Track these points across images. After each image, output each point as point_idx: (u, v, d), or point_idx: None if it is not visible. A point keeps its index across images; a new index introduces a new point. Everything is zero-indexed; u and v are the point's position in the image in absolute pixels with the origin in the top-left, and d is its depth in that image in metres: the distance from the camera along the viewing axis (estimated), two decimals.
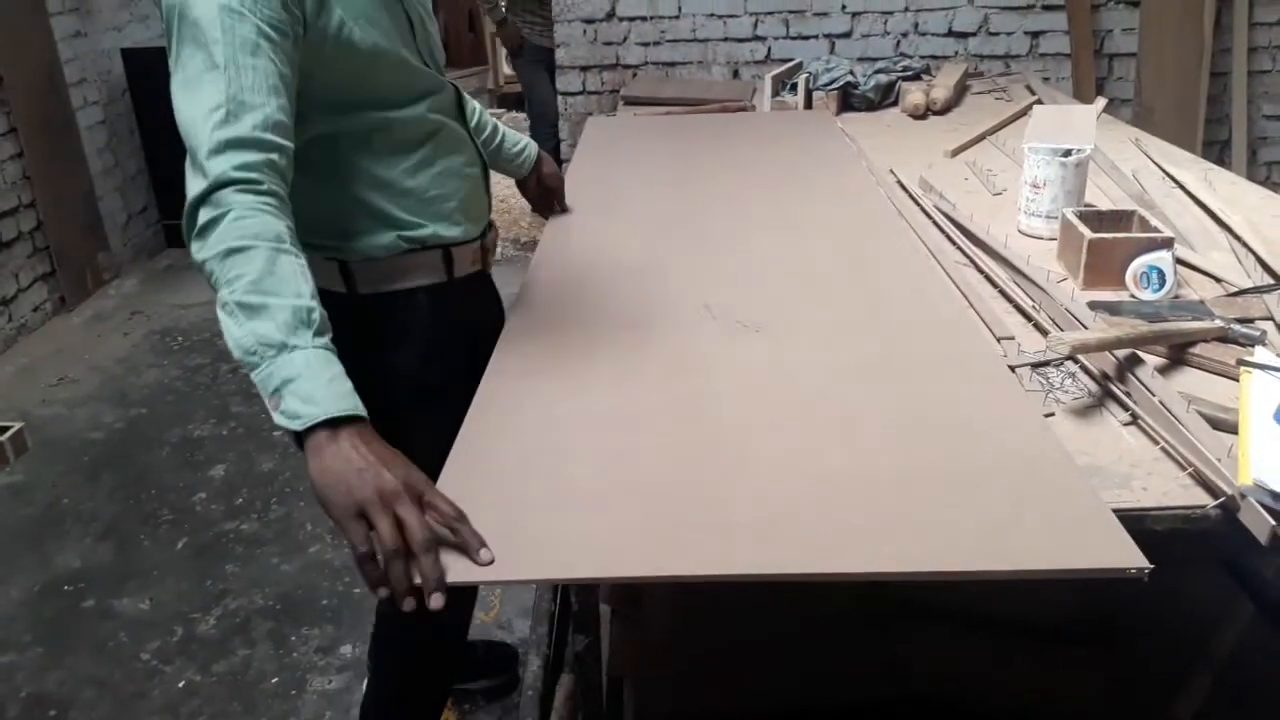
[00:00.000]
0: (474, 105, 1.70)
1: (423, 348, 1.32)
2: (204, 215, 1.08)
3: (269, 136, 1.14)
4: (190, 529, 2.77)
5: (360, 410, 1.03)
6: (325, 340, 1.06)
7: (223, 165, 1.09)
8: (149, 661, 2.30)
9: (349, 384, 1.04)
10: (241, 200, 1.08)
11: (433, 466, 1.11)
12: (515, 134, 1.87)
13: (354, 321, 1.30)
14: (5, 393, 3.62)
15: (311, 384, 1.01)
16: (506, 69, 7.93)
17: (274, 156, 1.14)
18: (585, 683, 1.57)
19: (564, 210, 2.05)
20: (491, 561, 0.97)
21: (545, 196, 2.01)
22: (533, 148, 1.91)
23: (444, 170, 1.50)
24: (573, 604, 1.54)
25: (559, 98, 4.48)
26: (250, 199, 1.09)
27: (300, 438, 1.00)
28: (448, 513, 0.99)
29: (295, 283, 1.07)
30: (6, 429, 3.14)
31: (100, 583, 2.56)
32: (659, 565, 0.99)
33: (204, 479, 3.01)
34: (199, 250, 1.08)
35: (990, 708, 1.75)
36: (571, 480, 1.13)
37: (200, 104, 1.13)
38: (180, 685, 2.22)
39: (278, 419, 1.02)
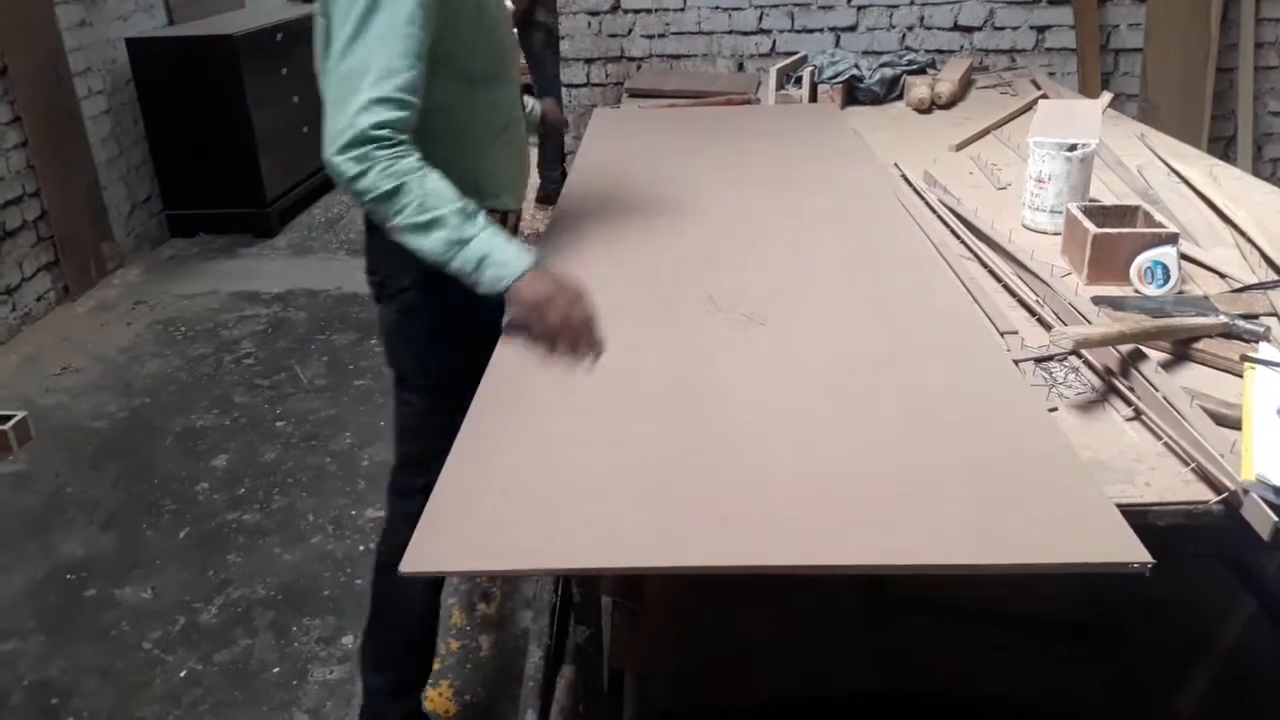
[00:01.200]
0: None
1: (497, 301, 1.44)
2: (353, 166, 1.34)
3: (409, 97, 1.37)
4: (192, 519, 2.77)
5: (534, 257, 1.40)
6: (483, 220, 1.40)
7: (367, 120, 1.33)
8: (151, 650, 2.30)
9: (518, 242, 1.42)
10: (383, 153, 1.34)
11: None
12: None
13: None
14: (9, 382, 3.63)
15: (499, 254, 1.37)
16: None
17: (409, 114, 1.38)
18: (586, 674, 1.57)
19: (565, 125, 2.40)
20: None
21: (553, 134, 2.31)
22: (536, 105, 2.07)
23: (518, 145, 1.73)
24: (574, 596, 1.54)
25: (564, 90, 4.47)
26: (389, 150, 1.35)
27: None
28: (579, 318, 1.39)
29: (446, 193, 1.38)
30: (10, 418, 3.14)
31: (103, 572, 2.57)
32: (661, 556, 0.99)
33: (206, 469, 3.01)
34: (360, 196, 1.37)
35: (992, 702, 1.75)
36: (574, 471, 1.13)
37: (356, 63, 1.35)
38: (182, 674, 2.23)
39: (482, 289, 1.38)
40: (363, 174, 1.34)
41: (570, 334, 1.38)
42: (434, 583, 1.88)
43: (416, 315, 1.66)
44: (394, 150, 1.35)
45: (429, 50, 1.41)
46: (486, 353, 1.45)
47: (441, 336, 1.67)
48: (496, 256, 1.37)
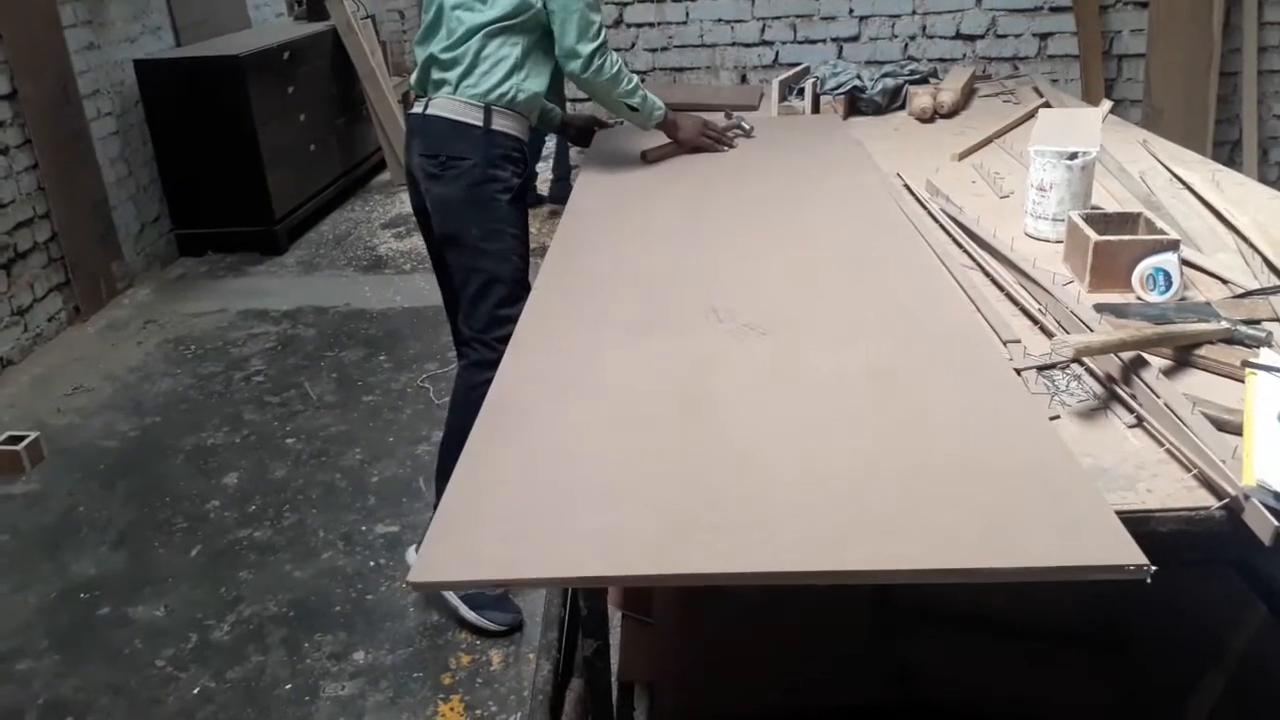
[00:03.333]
0: None
1: (530, 177, 2.36)
2: (611, 61, 2.32)
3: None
4: (204, 536, 2.79)
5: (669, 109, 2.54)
6: (654, 99, 2.51)
7: (603, 36, 2.31)
8: (164, 668, 2.32)
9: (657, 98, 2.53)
10: (613, 56, 2.36)
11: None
12: None
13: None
14: (21, 402, 3.65)
15: (663, 109, 2.53)
16: None
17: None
18: (595, 687, 1.57)
19: (605, 124, 2.89)
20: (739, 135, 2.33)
21: (584, 132, 2.84)
22: (556, 109, 2.73)
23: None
24: (582, 608, 1.55)
25: (567, 104, 4.50)
26: (613, 55, 2.37)
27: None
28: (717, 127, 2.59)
29: (644, 90, 2.48)
30: (23, 438, 3.17)
31: (115, 590, 2.59)
32: (667, 565, 1.00)
33: (217, 486, 3.03)
34: (609, 75, 2.32)
35: (998, 711, 1.75)
36: (580, 482, 1.14)
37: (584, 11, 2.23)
38: (195, 691, 2.24)
39: (654, 121, 2.52)
40: (615, 63, 2.33)
41: (709, 133, 2.61)
42: None
43: (484, 186, 2.21)
44: (615, 56, 2.37)
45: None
46: (525, 215, 2.34)
47: (506, 199, 2.24)
48: (662, 110, 2.52)
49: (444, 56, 2.23)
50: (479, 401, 1.34)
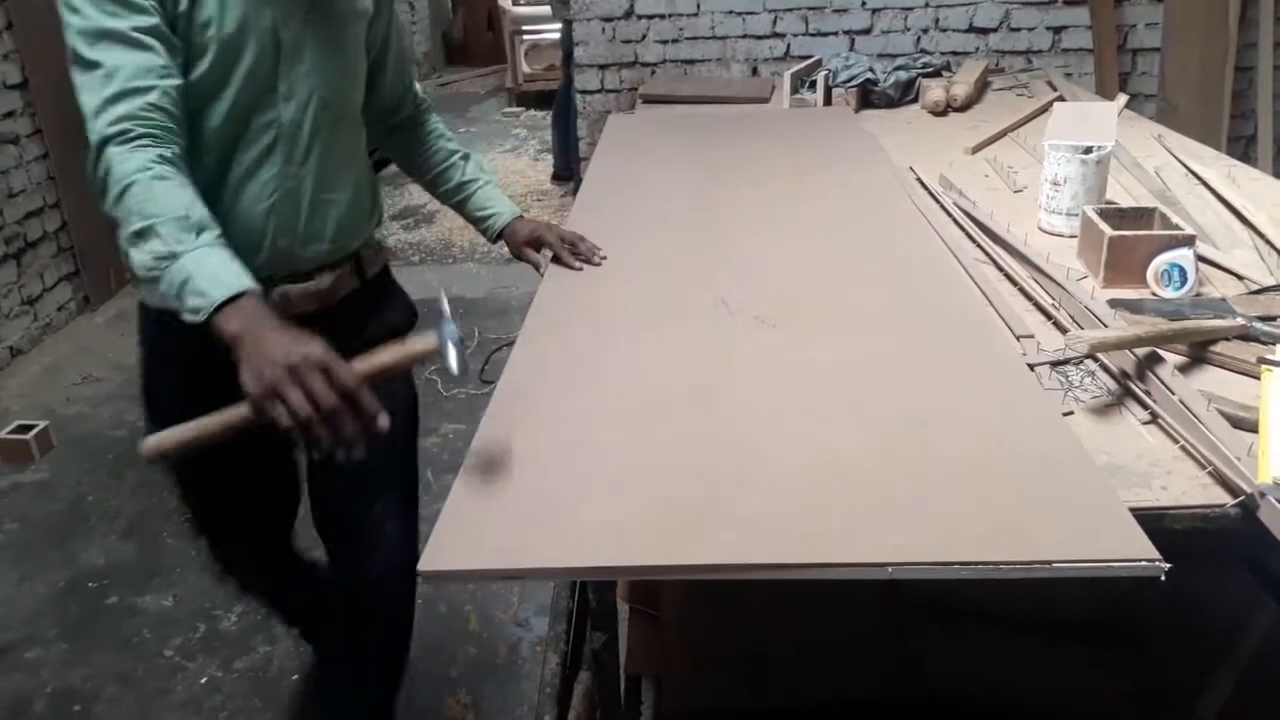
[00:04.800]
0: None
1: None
2: (98, 173, 1.19)
3: (150, 82, 1.22)
4: None
5: (248, 286, 1.13)
6: (209, 237, 1.17)
7: (99, 126, 1.19)
8: (172, 658, 2.32)
9: (236, 265, 1.15)
10: (118, 151, 1.18)
11: None
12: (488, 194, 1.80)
13: None
14: (31, 391, 3.66)
15: (200, 279, 1.12)
16: (525, 67, 7.94)
17: (151, 98, 1.21)
18: (603, 681, 1.57)
19: (591, 261, 1.78)
20: (388, 426, 1.06)
21: (538, 254, 1.80)
22: (500, 215, 1.80)
23: (277, 187, 1.46)
24: (591, 601, 1.54)
25: (578, 96, 4.49)
26: (124, 148, 1.18)
27: (212, 329, 1.10)
28: (345, 382, 1.05)
29: (178, 197, 1.17)
30: (32, 427, 3.17)
31: (124, 579, 2.59)
32: (676, 556, 0.99)
33: None
34: (105, 205, 1.19)
35: (1011, 707, 1.74)
36: (589, 473, 1.14)
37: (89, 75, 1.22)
38: (203, 681, 2.24)
39: (186, 319, 1.13)
40: (101, 185, 1.19)
41: (326, 412, 1.03)
42: None
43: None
44: (130, 145, 1.18)
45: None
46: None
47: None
48: (196, 284, 1.11)
49: None
50: None
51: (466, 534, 1.04)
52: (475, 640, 2.34)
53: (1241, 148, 4.26)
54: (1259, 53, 4.16)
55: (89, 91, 1.21)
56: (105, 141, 1.19)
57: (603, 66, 4.38)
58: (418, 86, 1.75)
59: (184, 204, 1.17)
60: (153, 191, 1.16)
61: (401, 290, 1.77)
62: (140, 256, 1.15)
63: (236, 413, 1.09)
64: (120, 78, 1.20)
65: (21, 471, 3.10)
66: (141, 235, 1.15)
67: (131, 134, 1.19)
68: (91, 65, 1.21)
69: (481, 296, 4.35)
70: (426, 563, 1.01)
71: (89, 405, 3.53)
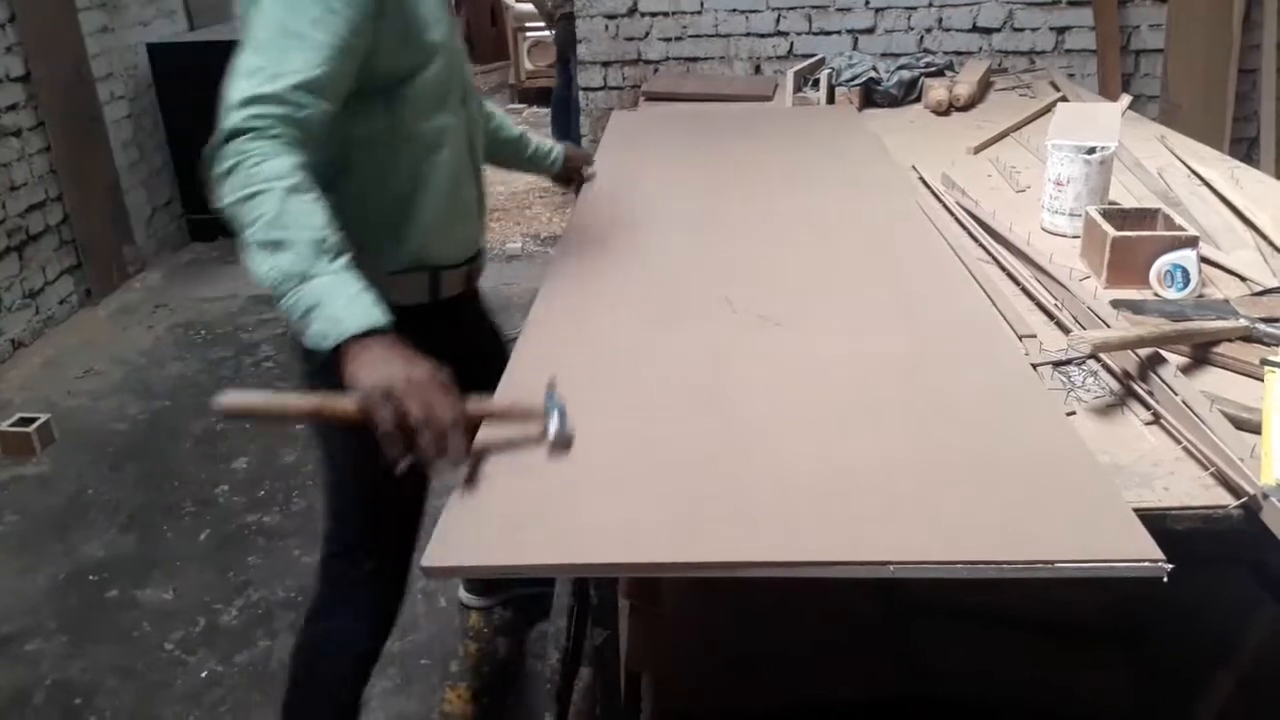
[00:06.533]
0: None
1: None
2: (218, 167, 1.17)
3: (303, 97, 1.21)
4: (213, 520, 2.79)
5: (382, 322, 1.13)
6: (343, 263, 1.16)
7: (239, 117, 1.18)
8: (172, 651, 2.32)
9: (369, 297, 1.15)
10: (253, 147, 1.16)
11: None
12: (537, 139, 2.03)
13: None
14: (33, 384, 3.66)
15: (334, 306, 1.12)
16: (528, 64, 7.94)
17: (298, 112, 1.21)
18: (604, 677, 1.57)
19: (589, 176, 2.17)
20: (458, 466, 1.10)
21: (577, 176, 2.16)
22: (558, 149, 2.06)
23: (460, 188, 1.58)
24: (592, 598, 1.54)
25: (580, 93, 4.48)
26: (261, 144, 1.17)
27: (335, 353, 1.11)
28: (454, 411, 1.10)
29: (313, 217, 1.16)
30: (34, 420, 3.17)
31: (124, 573, 2.59)
32: (680, 553, 0.99)
33: (226, 471, 3.03)
34: (221, 197, 1.17)
35: (1012, 706, 1.74)
36: (592, 470, 1.14)
37: (241, 64, 1.22)
38: (203, 675, 2.24)
39: (308, 342, 1.12)
40: (225, 174, 1.16)
41: (431, 433, 1.07)
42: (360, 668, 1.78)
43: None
44: (266, 146, 1.17)
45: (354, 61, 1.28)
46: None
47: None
48: (328, 310, 1.11)
49: None
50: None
51: (469, 530, 1.05)
52: (476, 635, 2.35)
53: (1244, 149, 4.26)
54: (1262, 54, 4.16)
55: (247, 78, 1.20)
56: (237, 134, 1.17)
57: (606, 64, 4.38)
58: None
59: (320, 224, 1.16)
60: (288, 204, 1.14)
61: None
62: (264, 267, 1.14)
63: (328, 402, 1.12)
64: (282, 82, 1.20)
65: (23, 464, 3.10)
66: (270, 247, 1.13)
67: (269, 132, 1.18)
68: (263, 54, 1.22)
69: None
70: (430, 558, 1.01)
71: (90, 399, 3.53)
